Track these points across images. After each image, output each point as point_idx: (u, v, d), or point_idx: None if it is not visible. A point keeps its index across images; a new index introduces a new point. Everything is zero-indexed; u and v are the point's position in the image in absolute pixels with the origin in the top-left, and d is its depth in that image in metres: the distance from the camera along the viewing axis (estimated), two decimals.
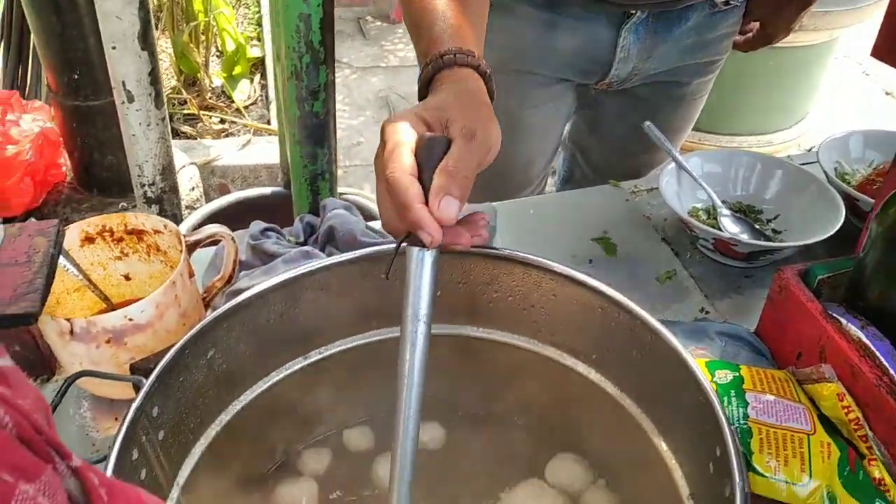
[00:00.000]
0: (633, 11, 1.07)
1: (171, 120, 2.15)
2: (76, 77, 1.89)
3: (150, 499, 0.34)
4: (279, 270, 0.82)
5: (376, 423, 0.76)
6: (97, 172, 2.07)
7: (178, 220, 1.60)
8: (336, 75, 1.04)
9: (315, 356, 0.71)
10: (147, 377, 0.56)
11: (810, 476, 0.63)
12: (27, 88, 2.29)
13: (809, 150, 1.56)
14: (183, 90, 2.69)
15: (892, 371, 0.67)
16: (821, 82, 2.56)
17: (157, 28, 2.46)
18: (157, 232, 0.81)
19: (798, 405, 0.68)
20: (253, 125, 2.62)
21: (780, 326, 0.81)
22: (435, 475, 0.70)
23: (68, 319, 0.70)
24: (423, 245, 0.55)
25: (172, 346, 0.59)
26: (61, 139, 2.06)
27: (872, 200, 0.96)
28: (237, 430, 0.67)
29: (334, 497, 0.72)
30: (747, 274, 1.01)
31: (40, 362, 0.77)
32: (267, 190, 1.96)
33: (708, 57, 1.19)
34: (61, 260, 0.70)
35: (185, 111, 2.67)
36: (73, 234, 0.79)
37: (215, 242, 0.86)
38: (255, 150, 2.43)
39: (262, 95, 2.81)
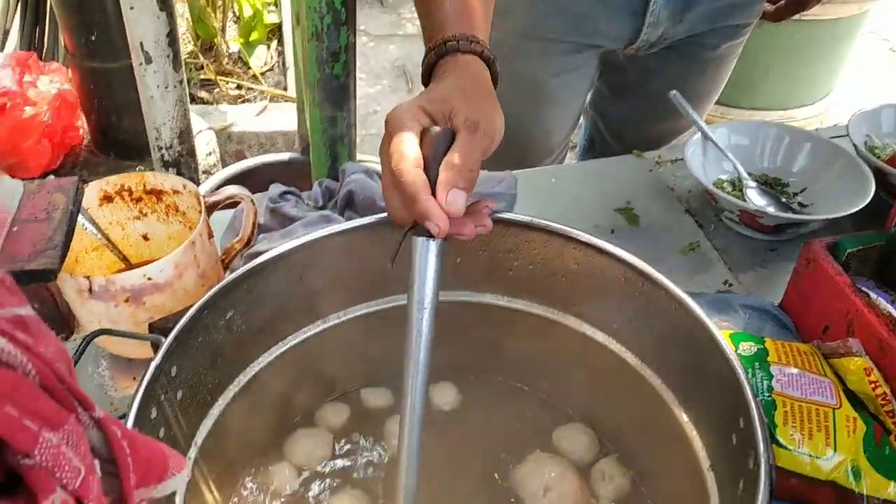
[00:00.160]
0: None
1: (188, 85, 2.14)
2: (93, 39, 1.88)
3: (171, 452, 0.33)
4: (298, 234, 0.82)
5: (393, 385, 0.76)
6: (114, 135, 2.07)
7: (195, 184, 1.59)
8: None
9: (333, 320, 0.71)
10: (166, 337, 0.56)
11: (835, 450, 0.62)
12: (44, 50, 2.28)
13: (835, 126, 1.53)
14: (200, 55, 2.68)
15: None
16: (847, 58, 2.51)
17: None
18: (175, 192, 0.80)
19: (824, 379, 0.67)
20: (270, 91, 2.60)
21: (805, 300, 0.79)
22: (447, 439, 0.70)
23: (87, 277, 0.69)
24: (428, 235, 0.56)
25: (191, 306, 0.59)
26: (78, 101, 2.06)
27: None
28: (255, 390, 0.66)
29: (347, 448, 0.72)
30: (772, 247, 0.99)
31: (59, 320, 0.77)
32: (285, 156, 1.95)
33: (740, 19, 1.15)
34: (80, 218, 0.69)
35: (202, 76, 2.65)
36: (91, 192, 0.78)
37: (234, 205, 0.85)
38: (272, 116, 2.42)
39: (278, 62, 2.79)
